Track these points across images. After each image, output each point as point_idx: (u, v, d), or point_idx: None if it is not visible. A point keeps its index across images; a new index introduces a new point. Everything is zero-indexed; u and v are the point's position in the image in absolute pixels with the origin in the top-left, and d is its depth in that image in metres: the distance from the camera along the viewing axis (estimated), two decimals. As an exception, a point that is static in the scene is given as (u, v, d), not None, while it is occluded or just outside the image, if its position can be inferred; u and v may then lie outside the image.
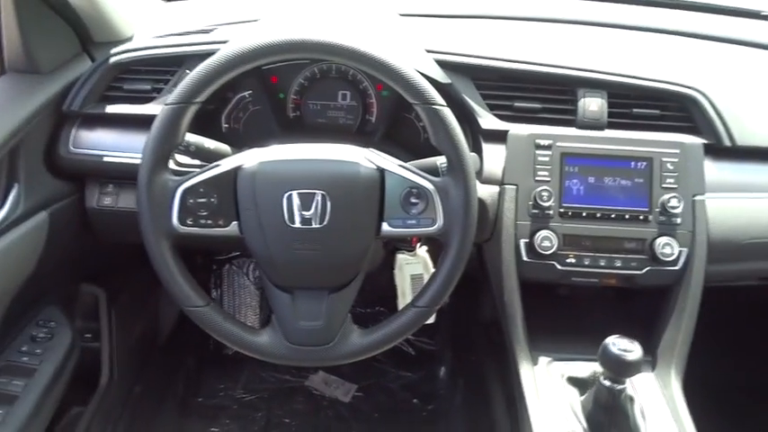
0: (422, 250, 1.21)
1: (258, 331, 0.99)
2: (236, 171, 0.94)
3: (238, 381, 1.93)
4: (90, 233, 1.25)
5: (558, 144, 1.15)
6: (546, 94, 1.20)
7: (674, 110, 1.21)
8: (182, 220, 0.94)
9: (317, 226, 0.94)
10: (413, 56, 1.16)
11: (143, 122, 1.09)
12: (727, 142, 1.18)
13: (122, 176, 1.17)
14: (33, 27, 1.12)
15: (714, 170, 1.18)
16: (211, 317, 0.97)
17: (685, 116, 1.20)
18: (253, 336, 0.98)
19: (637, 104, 1.20)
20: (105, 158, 1.17)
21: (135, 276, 1.62)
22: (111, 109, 1.18)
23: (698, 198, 1.14)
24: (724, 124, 1.18)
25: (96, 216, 1.22)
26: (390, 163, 0.96)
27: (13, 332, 1.20)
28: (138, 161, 0.94)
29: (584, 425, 1.01)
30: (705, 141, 1.17)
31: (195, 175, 0.94)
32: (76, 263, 1.36)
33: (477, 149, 1.17)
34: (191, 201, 0.94)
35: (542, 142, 1.15)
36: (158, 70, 1.20)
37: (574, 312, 1.28)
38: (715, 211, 1.15)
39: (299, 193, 0.93)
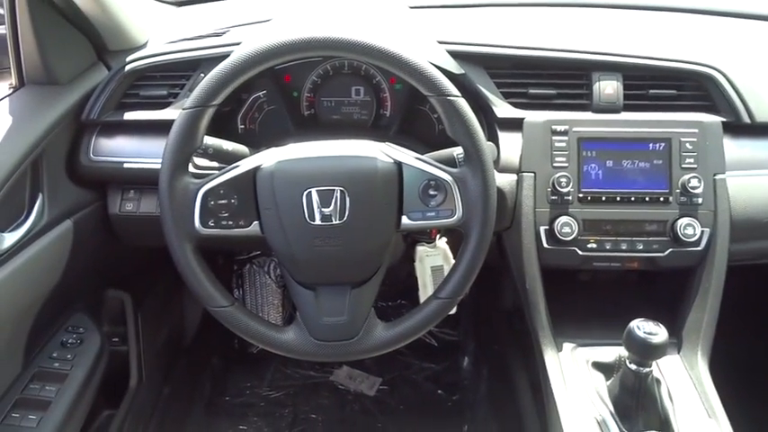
0: (441, 242, 1.22)
1: (283, 329, 1.00)
2: (254, 171, 0.95)
3: (264, 378, 1.95)
4: (114, 239, 1.27)
5: (575, 129, 1.14)
6: (560, 80, 1.20)
7: (691, 89, 1.20)
8: (204, 222, 0.95)
9: (338, 222, 0.94)
10: (425, 48, 1.16)
11: (161, 128, 1.11)
12: (746, 119, 1.17)
13: (143, 182, 1.19)
14: (50, 39, 1.14)
15: (734, 148, 1.17)
16: (237, 316, 0.98)
17: (703, 95, 1.19)
18: (278, 333, 0.99)
19: (653, 85, 1.19)
20: (125, 165, 1.18)
21: (159, 280, 1.64)
22: (129, 116, 1.20)
23: (718, 177, 1.13)
24: (743, 101, 1.17)
25: (119, 222, 1.24)
26: (407, 156, 0.97)
27: (44, 339, 1.22)
28: (157, 166, 0.95)
29: (612, 409, 1.01)
30: (724, 119, 1.16)
31: (215, 177, 0.95)
32: (102, 269, 1.38)
33: (493, 138, 1.17)
34: (211, 203, 0.95)
35: (558, 128, 1.14)
36: (174, 75, 1.21)
37: (596, 297, 1.28)
38: (736, 189, 1.14)
39: (317, 191, 0.94)
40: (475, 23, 1.32)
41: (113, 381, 1.39)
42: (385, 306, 2.04)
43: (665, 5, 1.42)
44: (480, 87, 1.17)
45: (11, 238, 1.03)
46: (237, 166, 0.96)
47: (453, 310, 1.02)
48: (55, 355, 1.20)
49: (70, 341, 1.24)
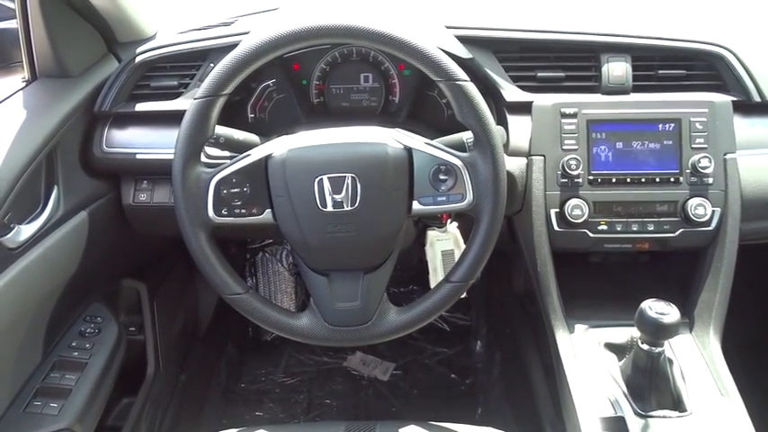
0: (452, 226, 1.22)
1: (298, 315, 1.01)
2: (266, 159, 0.96)
3: (279, 365, 1.97)
4: (128, 230, 1.28)
5: (584, 111, 1.14)
6: (569, 62, 1.20)
7: (701, 68, 1.19)
8: (217, 211, 0.96)
9: (349, 208, 0.95)
10: (433, 33, 1.16)
11: (172, 118, 1.12)
12: (756, 98, 1.17)
13: (156, 172, 1.20)
14: (61, 32, 1.15)
15: (745, 127, 1.16)
16: (252, 303, 0.99)
17: (712, 74, 1.19)
18: (293, 319, 1.01)
19: (662, 66, 1.19)
20: (138, 156, 1.20)
21: (174, 269, 1.66)
22: (141, 107, 1.21)
23: (729, 156, 1.13)
24: (753, 80, 1.16)
25: (133, 212, 1.25)
26: (417, 141, 0.97)
27: (63, 328, 1.24)
28: (170, 156, 0.96)
29: (624, 389, 1.02)
30: (734, 98, 1.16)
31: (227, 166, 0.96)
32: (117, 259, 1.39)
33: (502, 122, 1.17)
34: (224, 191, 0.95)
35: (567, 111, 1.14)
36: (184, 65, 1.22)
37: (608, 279, 1.28)
38: (747, 168, 1.14)
39: (329, 177, 0.94)
40: (482, 7, 1.31)
41: (131, 369, 1.41)
42: (397, 292, 2.05)
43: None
44: (489, 71, 1.17)
45: (28, 230, 1.05)
46: (249, 155, 0.96)
47: (464, 295, 1.02)
48: (74, 344, 1.22)
49: (88, 331, 1.25)
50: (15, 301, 1.02)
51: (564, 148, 1.14)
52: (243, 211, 0.97)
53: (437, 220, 1.21)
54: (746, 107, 1.17)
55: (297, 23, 0.92)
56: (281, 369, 1.96)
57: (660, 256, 1.27)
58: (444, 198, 0.96)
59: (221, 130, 1.03)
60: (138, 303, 1.49)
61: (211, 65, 1.18)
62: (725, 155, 1.13)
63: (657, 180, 1.13)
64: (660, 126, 1.13)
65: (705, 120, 1.13)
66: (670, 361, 1.02)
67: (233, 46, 0.97)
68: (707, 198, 1.12)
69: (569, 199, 1.13)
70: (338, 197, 0.95)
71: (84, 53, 1.22)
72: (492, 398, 1.79)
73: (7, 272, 0.99)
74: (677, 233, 1.13)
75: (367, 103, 1.27)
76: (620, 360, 1.07)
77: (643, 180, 1.13)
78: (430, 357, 1.99)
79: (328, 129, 0.99)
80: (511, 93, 1.18)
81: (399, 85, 1.26)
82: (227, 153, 1.09)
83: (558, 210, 1.13)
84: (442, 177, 0.96)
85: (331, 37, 0.93)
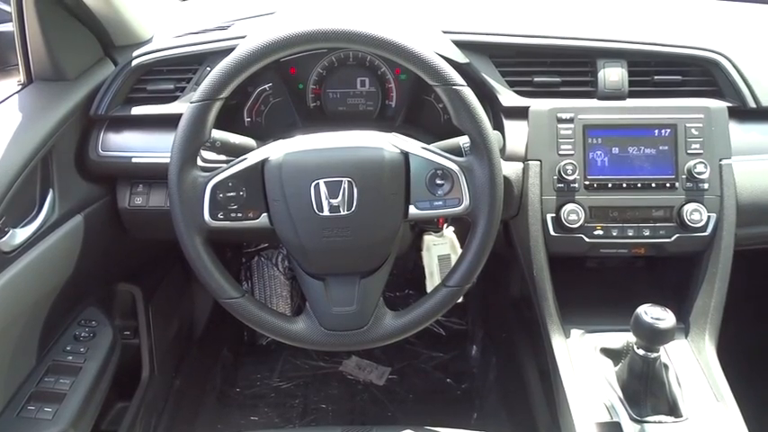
0: (449, 231, 1.22)
1: (294, 319, 1.01)
2: (262, 164, 0.96)
3: (274, 370, 1.97)
4: (124, 233, 1.28)
5: (580, 117, 1.14)
6: (565, 67, 1.20)
7: (697, 74, 1.20)
8: (213, 215, 0.96)
9: (346, 213, 0.95)
10: (430, 38, 1.16)
11: (169, 122, 1.12)
12: (752, 104, 1.17)
13: (152, 176, 1.20)
14: (57, 36, 1.14)
15: (740, 133, 1.17)
16: (247, 307, 0.99)
17: (708, 80, 1.19)
18: (289, 324, 1.00)
19: (658, 71, 1.20)
20: (134, 159, 1.19)
21: (169, 273, 1.65)
22: (137, 110, 1.21)
23: (724, 162, 1.13)
24: (748, 86, 1.17)
25: (129, 216, 1.25)
26: (414, 146, 0.97)
27: (58, 332, 1.24)
28: (166, 160, 0.96)
29: (620, 395, 1.02)
30: (729, 104, 1.17)
31: (223, 170, 0.96)
32: (112, 263, 1.39)
33: (498, 127, 1.17)
34: (220, 195, 0.95)
35: (564, 116, 1.15)
36: (180, 69, 1.22)
37: (604, 284, 1.28)
38: (742, 174, 1.14)
39: (325, 182, 0.94)
40: (479, 12, 1.32)
41: (126, 373, 1.40)
42: (392, 296, 2.04)
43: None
44: (485, 76, 1.18)
45: (23, 233, 1.04)
46: (245, 159, 0.96)
47: (460, 299, 1.02)
48: (68, 348, 1.22)
49: (83, 335, 1.25)
50: (10, 304, 1.02)
51: (560, 153, 1.14)
52: (239, 215, 0.97)
53: (434, 225, 1.21)
54: (742, 113, 1.18)
55: (293, 28, 0.92)
56: (277, 373, 1.96)
57: (656, 262, 1.27)
58: (441, 203, 0.97)
59: (217, 133, 1.03)
60: (134, 307, 1.48)
61: (208, 69, 1.18)
62: (720, 160, 1.13)
63: (653, 185, 1.13)
64: (656, 131, 1.14)
65: (701, 125, 1.13)
66: (666, 366, 1.02)
67: (229, 50, 0.97)
68: (702, 203, 1.12)
69: (565, 204, 1.13)
70: (334, 201, 0.95)
71: (80, 56, 1.21)
72: (488, 402, 1.79)
73: (2, 275, 0.99)
74: (673, 238, 1.13)
75: (363, 107, 1.27)
76: (615, 365, 1.07)
77: (639, 185, 1.13)
78: (426, 362, 1.99)
79: (325, 133, 0.99)
80: (507, 98, 1.18)
81: (396, 89, 1.26)
82: (223, 157, 1.09)
83: (554, 214, 1.14)
84: (438, 182, 0.96)
85: (328, 41, 0.93)
